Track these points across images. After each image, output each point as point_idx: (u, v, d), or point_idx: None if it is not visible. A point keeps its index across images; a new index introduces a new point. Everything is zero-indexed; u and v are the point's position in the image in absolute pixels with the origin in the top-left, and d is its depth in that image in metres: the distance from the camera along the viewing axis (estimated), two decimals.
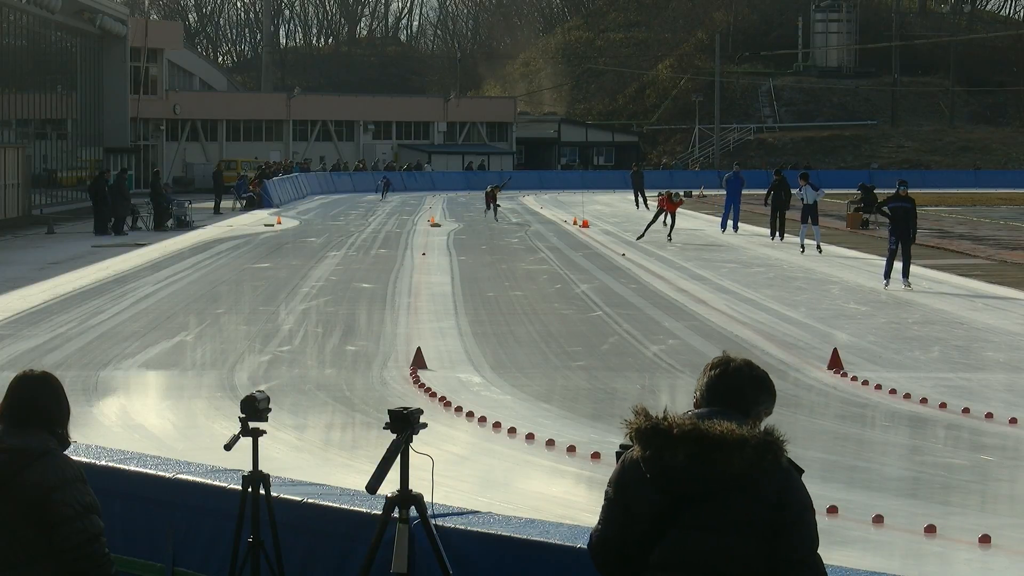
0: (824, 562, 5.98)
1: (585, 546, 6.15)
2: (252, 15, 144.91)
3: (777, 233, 41.24)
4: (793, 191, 41.24)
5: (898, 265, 28.35)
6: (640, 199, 59.25)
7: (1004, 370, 19.23)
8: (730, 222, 45.43)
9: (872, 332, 22.29)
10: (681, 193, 42.71)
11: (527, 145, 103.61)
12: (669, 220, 41.22)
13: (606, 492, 4.76)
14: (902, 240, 28.22)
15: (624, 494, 4.69)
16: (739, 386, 4.77)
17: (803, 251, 36.65)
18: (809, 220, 37.30)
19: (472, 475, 12.71)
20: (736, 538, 4.52)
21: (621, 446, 5.03)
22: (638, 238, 40.46)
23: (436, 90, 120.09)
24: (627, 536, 4.66)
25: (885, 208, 29.19)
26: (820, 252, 36.31)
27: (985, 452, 14.24)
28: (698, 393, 4.85)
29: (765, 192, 42.52)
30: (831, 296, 27.62)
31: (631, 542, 4.65)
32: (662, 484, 4.60)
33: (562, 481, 12.71)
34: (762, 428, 4.62)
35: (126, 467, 7.98)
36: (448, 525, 6.58)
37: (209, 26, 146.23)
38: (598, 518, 4.80)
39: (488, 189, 53.09)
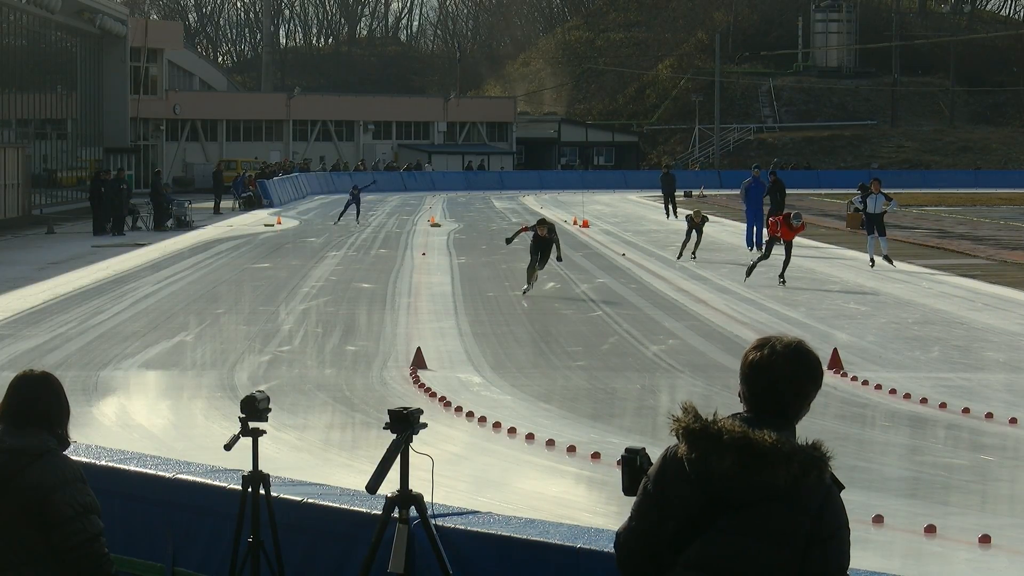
0: None
1: (585, 546, 6.16)
2: (252, 15, 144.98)
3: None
4: (851, 195, 38.32)
5: None
6: (670, 207, 53.12)
7: (1004, 370, 19.23)
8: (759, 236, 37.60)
9: (872, 332, 22.29)
10: (803, 215, 30.99)
11: (527, 145, 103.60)
12: (783, 253, 29.82)
13: (643, 485, 4.70)
14: None
15: (663, 490, 4.64)
16: (781, 394, 4.65)
17: (873, 265, 32.52)
18: (875, 231, 32.91)
19: (472, 475, 12.70)
20: (769, 547, 4.50)
21: (627, 450, 4.99)
22: (746, 277, 29.59)
23: (436, 90, 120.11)
24: (660, 532, 4.64)
25: None
26: (893, 264, 32.24)
27: (985, 452, 14.24)
28: (741, 388, 4.73)
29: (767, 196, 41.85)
30: (831, 296, 27.62)
31: (663, 538, 4.63)
32: (704, 487, 4.57)
33: (562, 481, 12.71)
34: (811, 443, 4.57)
35: (126, 467, 7.98)
36: (448, 525, 6.58)
37: (209, 26, 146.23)
38: (630, 512, 4.75)
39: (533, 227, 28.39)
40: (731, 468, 4.52)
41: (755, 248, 36.76)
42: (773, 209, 40.72)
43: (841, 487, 4.64)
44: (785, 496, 4.51)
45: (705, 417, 4.62)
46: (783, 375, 4.63)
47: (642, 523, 4.68)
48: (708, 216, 35.32)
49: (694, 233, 34.63)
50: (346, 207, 49.61)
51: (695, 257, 34.45)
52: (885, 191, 33.49)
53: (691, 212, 35.70)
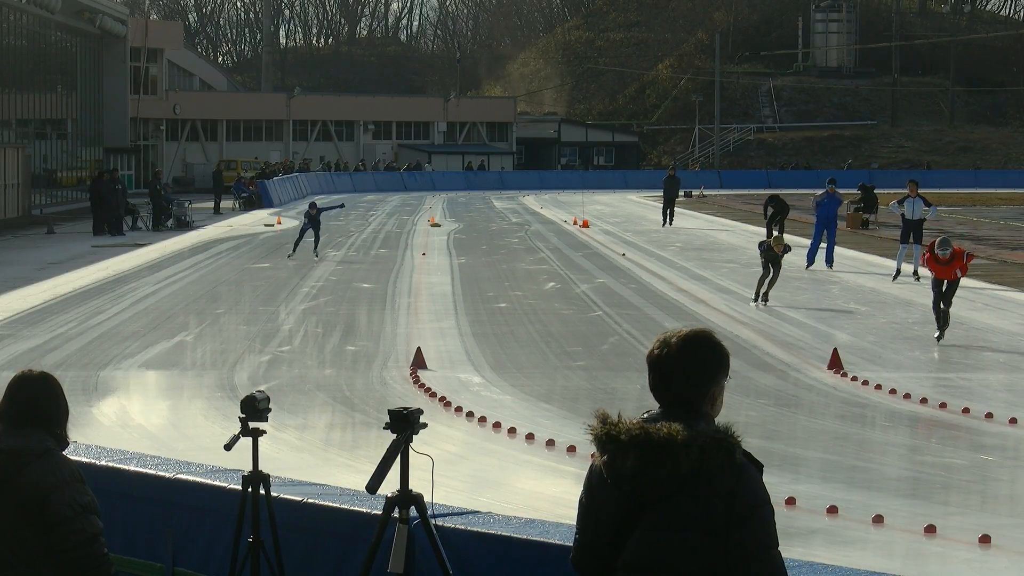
0: (823, 562, 5.97)
1: None
2: (252, 15, 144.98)
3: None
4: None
5: None
6: (669, 213, 48.50)
7: (1004, 370, 19.24)
8: (822, 250, 32.98)
9: (872, 332, 22.29)
10: (951, 240, 22.14)
11: (527, 145, 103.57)
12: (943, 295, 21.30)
13: (580, 499, 4.79)
14: None
15: (593, 499, 4.73)
16: (677, 385, 4.67)
17: (895, 277, 29.57)
18: (911, 239, 29.80)
19: (471, 475, 12.70)
20: (690, 537, 4.54)
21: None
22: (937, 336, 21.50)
23: (436, 90, 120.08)
24: (600, 540, 4.69)
25: None
26: (918, 279, 28.89)
27: (985, 452, 14.24)
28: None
29: (763, 206, 41.70)
30: (831, 296, 27.61)
31: (603, 545, 4.69)
32: (620, 489, 4.64)
33: (562, 481, 12.70)
34: (717, 426, 4.59)
35: (126, 467, 7.97)
36: (448, 525, 6.57)
37: (209, 26, 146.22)
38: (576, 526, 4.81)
39: None
40: (635, 465, 4.58)
41: (812, 263, 32.50)
42: (774, 215, 40.64)
43: (760, 466, 4.62)
44: (694, 484, 4.54)
45: (610, 420, 4.67)
46: (677, 368, 4.66)
47: (585, 536, 4.76)
48: (791, 246, 27.17)
49: (771, 267, 25.83)
50: (301, 234, 36.09)
51: (767, 300, 25.66)
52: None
53: (770, 240, 26.91)
